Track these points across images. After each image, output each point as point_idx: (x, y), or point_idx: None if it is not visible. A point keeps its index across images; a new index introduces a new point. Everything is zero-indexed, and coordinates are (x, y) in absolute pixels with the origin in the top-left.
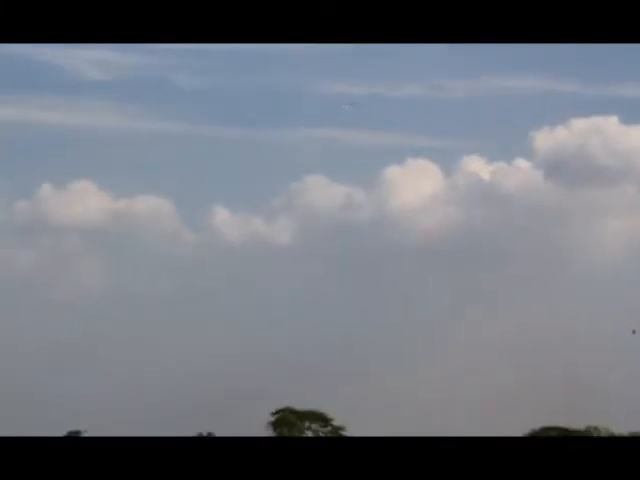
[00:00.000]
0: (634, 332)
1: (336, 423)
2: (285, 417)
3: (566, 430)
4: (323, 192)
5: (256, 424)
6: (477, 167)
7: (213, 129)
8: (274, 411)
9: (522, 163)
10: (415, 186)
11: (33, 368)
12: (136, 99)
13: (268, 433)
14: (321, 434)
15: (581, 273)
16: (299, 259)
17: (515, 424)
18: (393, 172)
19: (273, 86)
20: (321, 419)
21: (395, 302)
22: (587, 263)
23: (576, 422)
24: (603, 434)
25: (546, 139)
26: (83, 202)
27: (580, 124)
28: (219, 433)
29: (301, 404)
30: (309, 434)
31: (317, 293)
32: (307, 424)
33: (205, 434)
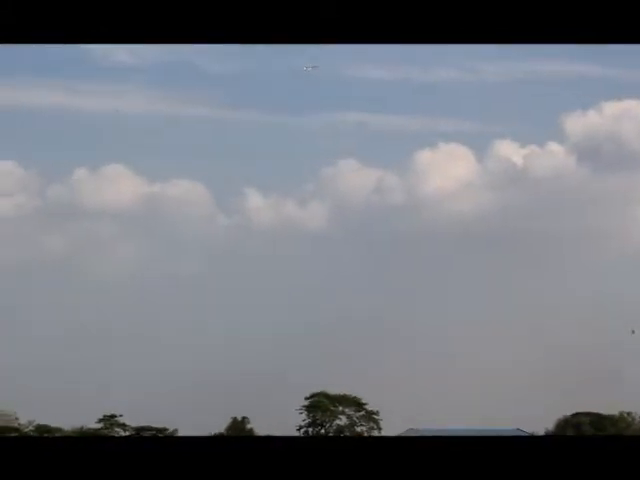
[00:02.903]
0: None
1: (370, 407)
2: (319, 401)
3: (598, 416)
4: (355, 176)
5: (290, 408)
6: (509, 151)
7: (244, 114)
8: (308, 395)
9: (555, 147)
10: (447, 170)
11: (68, 352)
12: (168, 84)
13: (302, 417)
14: (355, 419)
15: (615, 258)
16: (331, 243)
17: (548, 409)
18: (425, 156)
19: (301, 72)
20: (355, 403)
21: (428, 285)
22: (621, 248)
23: (609, 408)
24: (638, 420)
25: (578, 123)
26: (117, 186)
27: (612, 108)
28: (253, 417)
29: (334, 388)
30: (343, 419)
31: (350, 277)
32: (341, 409)
33: (240, 419)
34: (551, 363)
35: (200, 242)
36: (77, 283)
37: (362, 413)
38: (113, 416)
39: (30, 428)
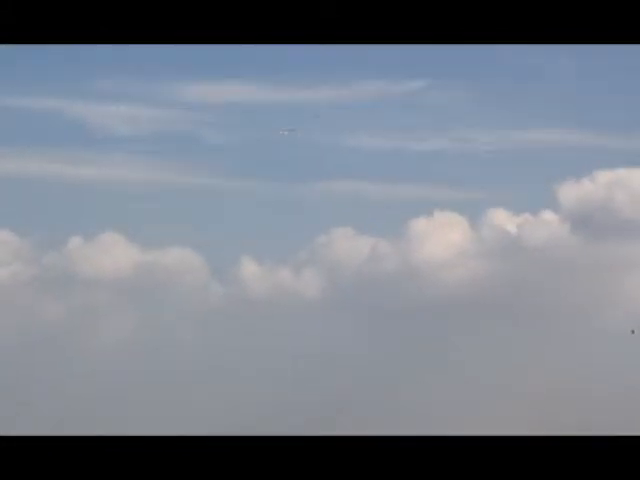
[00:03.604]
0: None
1: None
2: None
3: None
4: (349, 244)
5: None
6: (503, 220)
7: (240, 183)
8: None
9: (548, 216)
10: (441, 238)
11: (65, 423)
12: (165, 154)
13: None
14: None
15: (610, 327)
16: (326, 311)
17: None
18: (419, 224)
19: (298, 140)
20: None
21: (421, 355)
22: (616, 316)
23: None
24: None
25: (571, 192)
26: (112, 254)
27: (605, 177)
28: None
29: None
30: None
31: (344, 346)
32: None
33: None
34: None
35: (195, 310)
36: (72, 353)
37: None
38: None
39: None
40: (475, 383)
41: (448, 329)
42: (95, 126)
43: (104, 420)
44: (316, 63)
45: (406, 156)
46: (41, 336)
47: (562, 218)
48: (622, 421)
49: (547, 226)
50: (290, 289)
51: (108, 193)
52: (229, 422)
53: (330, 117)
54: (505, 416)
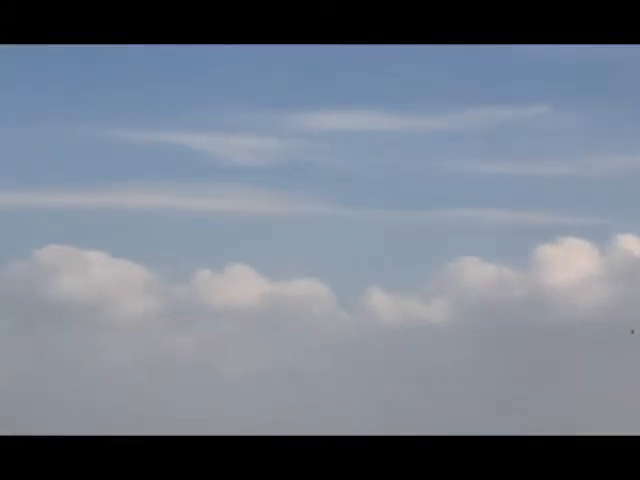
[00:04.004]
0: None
1: None
2: None
3: None
4: (476, 271)
5: None
6: (632, 245)
7: (363, 212)
8: None
9: None
10: (568, 265)
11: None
12: (284, 183)
13: None
14: None
15: None
16: (454, 339)
17: None
18: (545, 250)
19: (420, 168)
20: None
21: (552, 379)
22: None
23: None
24: None
25: None
26: (240, 286)
27: None
28: None
29: None
30: None
31: (473, 373)
32: None
33: None
34: None
35: (323, 340)
36: (202, 383)
37: None
38: None
39: None
40: (606, 406)
41: (577, 354)
42: (219, 158)
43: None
44: (433, 91)
45: (530, 182)
46: (170, 367)
47: None
48: None
49: None
50: (418, 317)
51: (234, 224)
52: None
53: (449, 144)
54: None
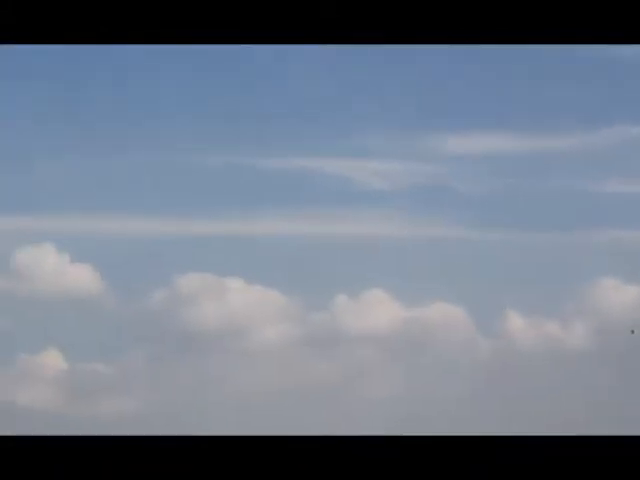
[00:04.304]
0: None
1: None
2: None
3: None
4: (617, 294)
5: None
6: None
7: (498, 235)
8: None
9: None
10: None
11: None
12: (419, 207)
13: None
14: None
15: None
16: (595, 364)
17: None
18: None
19: (550, 189)
20: None
21: None
22: None
23: None
24: None
25: None
26: (377, 311)
27: None
28: None
29: None
30: None
31: (618, 400)
32: None
33: None
34: None
35: (462, 364)
36: (338, 407)
37: None
38: None
39: None
40: None
41: None
42: (355, 183)
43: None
44: (570, 110)
45: None
46: (309, 393)
47: None
48: None
49: None
50: (558, 341)
51: (369, 249)
52: None
53: (582, 163)
54: None
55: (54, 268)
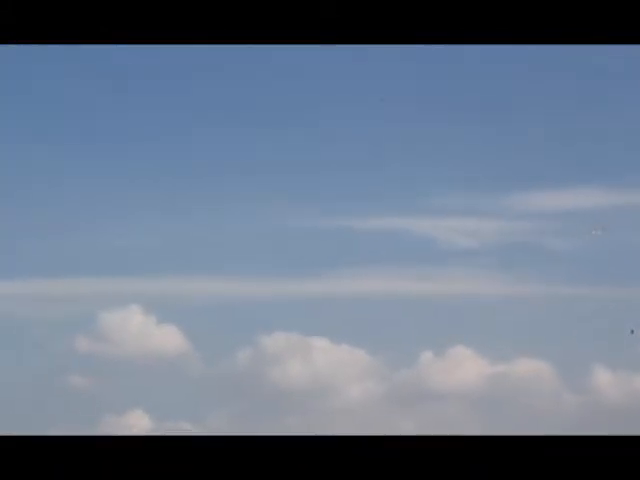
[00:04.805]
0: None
1: None
2: None
3: None
4: None
5: None
6: None
7: (585, 290)
8: None
9: None
10: None
11: None
12: (504, 264)
13: None
14: None
15: None
16: None
17: None
18: None
19: (636, 242)
20: None
21: None
22: None
23: None
24: None
25: None
26: (462, 368)
27: None
28: None
29: None
30: None
31: None
32: None
33: None
34: None
35: (547, 420)
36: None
37: None
38: None
39: None
40: None
41: None
42: (440, 241)
43: None
44: None
45: None
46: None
47: None
48: None
49: None
50: None
51: (455, 307)
52: None
53: None
54: None
55: (140, 329)
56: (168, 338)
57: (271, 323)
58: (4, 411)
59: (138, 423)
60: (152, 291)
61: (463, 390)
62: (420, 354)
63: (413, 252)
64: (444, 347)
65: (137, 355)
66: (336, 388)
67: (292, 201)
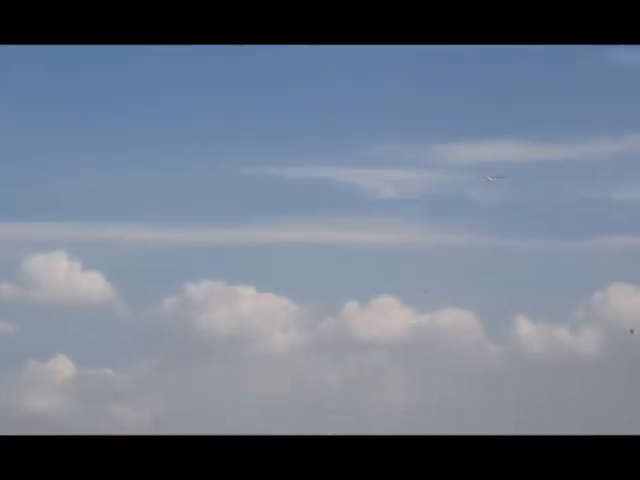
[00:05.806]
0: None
1: None
2: None
3: None
4: (627, 300)
5: None
6: None
7: (509, 242)
8: None
9: None
10: None
11: None
12: (426, 215)
13: None
14: None
15: None
16: (606, 370)
17: None
18: None
19: (563, 197)
20: None
21: None
22: None
23: None
24: None
25: None
26: (386, 318)
27: None
28: None
29: None
30: None
31: (628, 407)
32: None
33: None
34: None
35: (471, 371)
36: (349, 417)
37: None
38: None
39: None
40: None
41: None
42: (365, 192)
43: None
44: (580, 118)
45: None
46: (316, 400)
47: None
48: None
49: None
50: (567, 348)
51: (379, 257)
52: None
53: (598, 171)
54: None
55: (65, 275)
56: (93, 285)
57: (197, 271)
58: None
59: (62, 369)
60: (77, 237)
61: (388, 340)
62: (345, 304)
63: (338, 202)
64: (369, 297)
65: (62, 301)
66: (261, 336)
67: (215, 151)
